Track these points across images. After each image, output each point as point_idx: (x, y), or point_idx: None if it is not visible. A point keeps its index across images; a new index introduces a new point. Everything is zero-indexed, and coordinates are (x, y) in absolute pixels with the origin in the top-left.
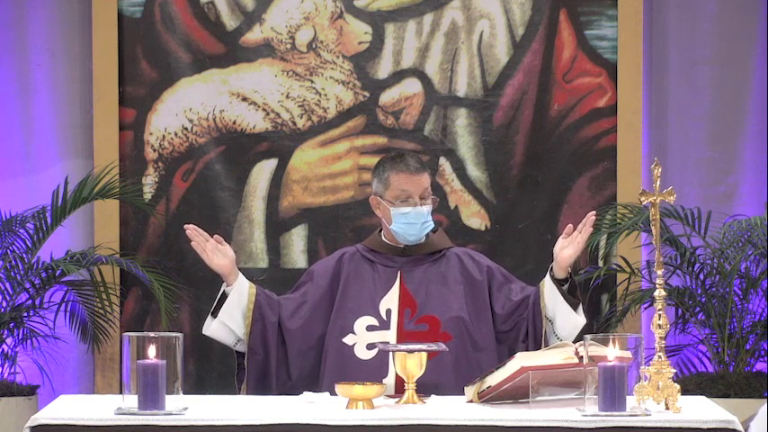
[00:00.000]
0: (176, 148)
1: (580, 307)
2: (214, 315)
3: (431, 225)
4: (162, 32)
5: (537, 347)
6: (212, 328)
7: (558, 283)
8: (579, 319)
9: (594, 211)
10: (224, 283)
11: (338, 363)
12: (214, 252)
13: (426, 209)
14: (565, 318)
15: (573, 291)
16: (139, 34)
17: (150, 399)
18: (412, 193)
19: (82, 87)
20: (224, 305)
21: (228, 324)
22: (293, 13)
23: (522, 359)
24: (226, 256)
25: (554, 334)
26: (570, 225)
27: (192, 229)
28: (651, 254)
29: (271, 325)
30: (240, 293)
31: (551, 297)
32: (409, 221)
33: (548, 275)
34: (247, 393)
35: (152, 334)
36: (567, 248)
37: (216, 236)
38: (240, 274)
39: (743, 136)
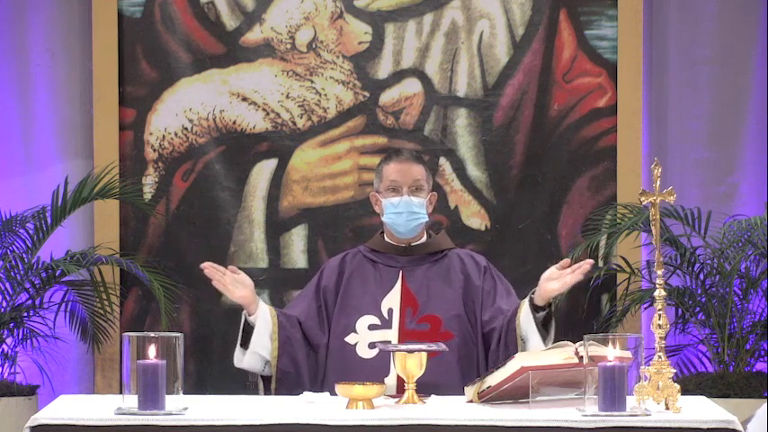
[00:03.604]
0: (176, 148)
1: (550, 341)
2: (244, 346)
3: (421, 218)
4: (162, 32)
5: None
6: (246, 360)
7: (536, 308)
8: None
9: (592, 260)
10: (244, 312)
11: (341, 362)
12: (234, 285)
13: (416, 200)
14: (535, 345)
15: (549, 320)
16: (139, 34)
17: (150, 399)
18: (400, 184)
19: (82, 87)
20: (254, 336)
21: (260, 352)
22: (293, 13)
23: (522, 359)
24: (245, 285)
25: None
26: (567, 260)
27: (209, 268)
28: (651, 254)
29: (297, 342)
30: (265, 320)
31: (526, 322)
32: (397, 211)
33: (527, 300)
34: None
35: (152, 334)
36: (553, 282)
37: (230, 267)
38: (260, 300)
39: (743, 136)
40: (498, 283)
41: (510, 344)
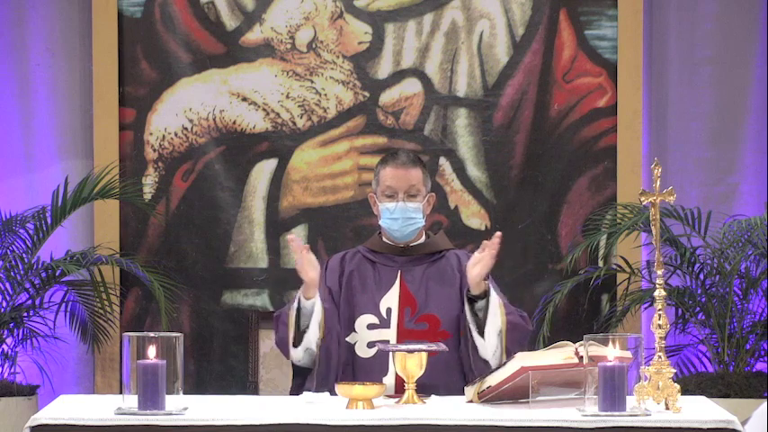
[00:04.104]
0: (176, 148)
1: (488, 333)
2: (298, 327)
3: (417, 223)
4: (162, 32)
5: (467, 353)
6: (300, 348)
7: (475, 299)
8: (482, 343)
9: (500, 233)
10: (300, 295)
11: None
12: (310, 265)
13: (412, 205)
14: (476, 338)
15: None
16: (139, 34)
17: (150, 399)
18: (397, 189)
19: (82, 87)
20: (311, 322)
21: (310, 338)
22: (293, 13)
23: (522, 359)
24: (315, 268)
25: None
26: (486, 242)
27: (295, 241)
28: (651, 254)
29: (335, 335)
30: (318, 308)
31: (468, 312)
32: (393, 217)
33: (465, 292)
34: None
35: (152, 334)
36: (476, 267)
37: (304, 245)
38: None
39: (743, 136)
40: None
41: (468, 341)
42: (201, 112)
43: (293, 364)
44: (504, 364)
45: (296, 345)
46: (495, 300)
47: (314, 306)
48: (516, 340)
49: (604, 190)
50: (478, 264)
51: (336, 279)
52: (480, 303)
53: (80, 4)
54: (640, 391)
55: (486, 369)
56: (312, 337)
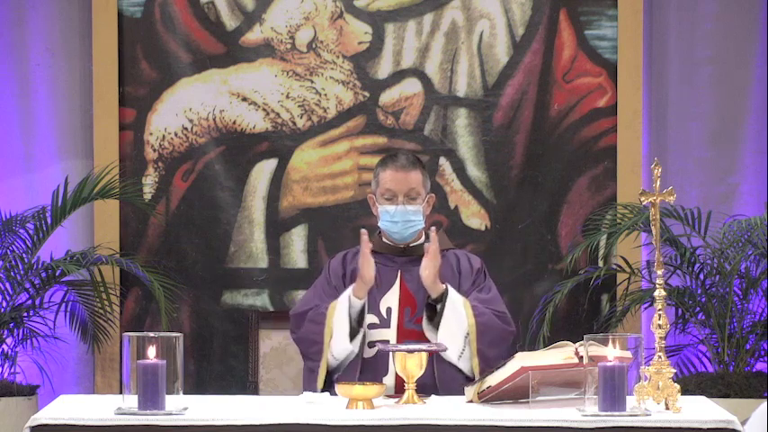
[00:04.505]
0: (176, 148)
1: (441, 335)
2: (352, 325)
3: (417, 225)
4: (162, 32)
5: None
6: (351, 345)
7: (432, 304)
8: (443, 347)
9: (435, 227)
10: (351, 295)
11: None
12: (370, 264)
13: (412, 208)
14: (437, 343)
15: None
16: (139, 34)
17: (150, 399)
18: (396, 192)
19: (82, 87)
20: (365, 319)
21: (361, 336)
22: (293, 13)
23: (522, 359)
24: (373, 268)
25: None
26: (426, 244)
27: (365, 235)
28: (651, 254)
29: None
30: (366, 306)
31: (425, 318)
32: (393, 219)
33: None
34: None
35: (152, 334)
36: (425, 270)
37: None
38: None
39: (743, 136)
40: (477, 285)
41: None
42: (201, 112)
43: (328, 370)
44: (504, 364)
45: (351, 340)
46: (459, 302)
47: (364, 306)
48: (492, 342)
49: (604, 190)
50: (426, 267)
51: (340, 279)
52: (440, 307)
53: (80, 4)
54: (640, 391)
55: (456, 374)
56: (362, 335)
